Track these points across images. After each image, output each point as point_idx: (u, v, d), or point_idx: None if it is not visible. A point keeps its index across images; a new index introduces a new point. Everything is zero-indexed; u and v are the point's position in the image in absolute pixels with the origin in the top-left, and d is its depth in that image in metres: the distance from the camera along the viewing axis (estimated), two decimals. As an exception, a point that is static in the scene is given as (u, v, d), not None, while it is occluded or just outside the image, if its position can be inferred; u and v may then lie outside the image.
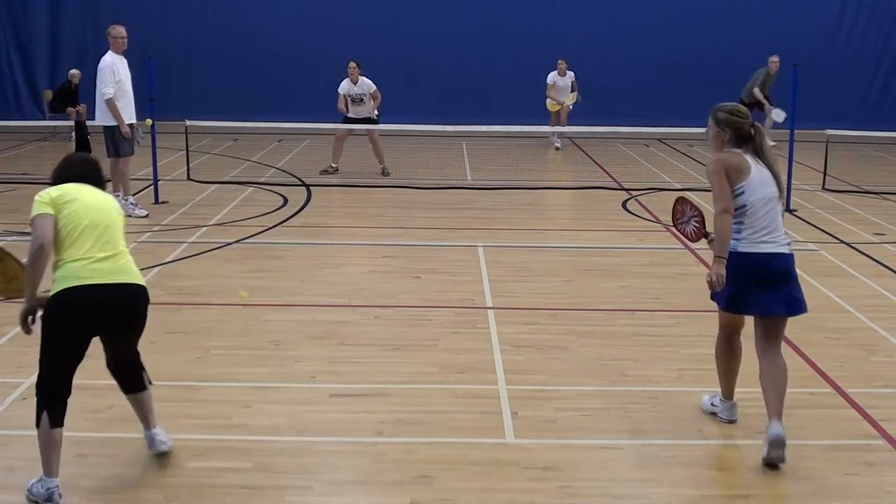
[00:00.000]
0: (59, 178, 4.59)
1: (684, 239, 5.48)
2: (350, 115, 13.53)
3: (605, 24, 19.86)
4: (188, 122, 12.35)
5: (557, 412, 5.32)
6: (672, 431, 5.11)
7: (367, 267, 8.48)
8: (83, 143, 10.91)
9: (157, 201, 11.12)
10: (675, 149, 17.06)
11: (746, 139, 5.05)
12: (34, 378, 5.59)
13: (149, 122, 10.96)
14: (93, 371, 5.79)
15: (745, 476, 4.61)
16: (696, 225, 5.35)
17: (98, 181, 4.67)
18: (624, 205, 11.06)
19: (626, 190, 12.31)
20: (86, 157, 5.01)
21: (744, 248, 4.94)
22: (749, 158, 4.99)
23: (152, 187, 11.33)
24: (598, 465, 4.74)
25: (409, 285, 7.88)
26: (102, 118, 10.29)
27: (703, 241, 5.25)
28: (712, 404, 5.47)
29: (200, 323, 6.83)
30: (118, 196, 10.39)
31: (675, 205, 5.48)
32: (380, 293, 7.61)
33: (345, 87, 13.56)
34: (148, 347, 6.21)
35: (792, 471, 4.66)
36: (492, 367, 5.99)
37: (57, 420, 4.33)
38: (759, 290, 4.92)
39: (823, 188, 12.60)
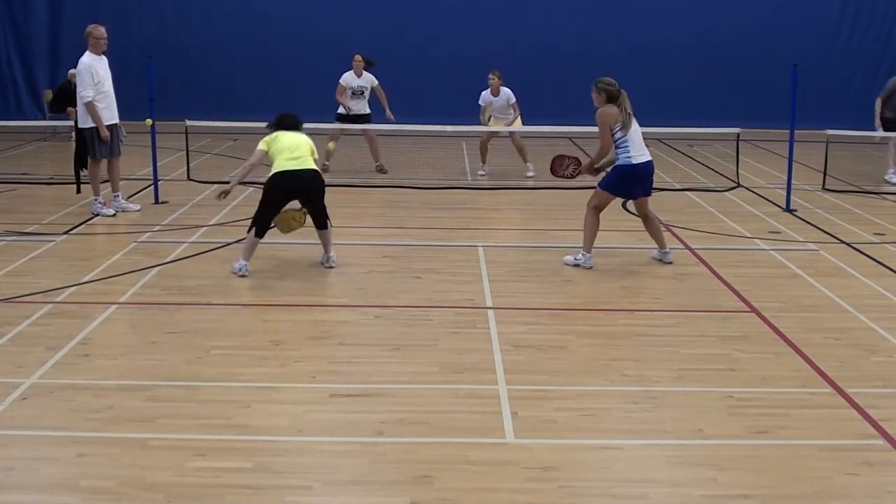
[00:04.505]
0: (277, 125, 8.35)
1: (565, 181, 9.53)
2: (351, 109, 13.48)
3: (603, 24, 19.82)
4: (188, 122, 12.33)
5: (557, 412, 5.32)
6: (672, 431, 5.10)
7: (367, 267, 8.48)
8: (83, 142, 10.89)
9: (157, 201, 11.12)
10: (675, 149, 17.05)
11: (615, 98, 8.18)
12: (34, 378, 5.66)
13: (149, 122, 10.93)
14: (93, 371, 5.83)
15: (745, 476, 4.61)
16: (574, 167, 9.12)
17: (297, 127, 8.39)
18: (624, 205, 11.03)
19: (627, 190, 12.31)
20: (291, 114, 8.45)
21: (635, 160, 8.17)
22: (619, 109, 8.15)
23: (152, 187, 11.33)
24: (598, 465, 4.73)
25: (409, 285, 7.88)
26: (83, 120, 10.26)
27: (589, 175, 8.79)
28: (576, 259, 8.36)
29: (200, 323, 6.84)
30: (96, 200, 10.41)
31: (553, 161, 9.25)
32: (380, 293, 7.61)
33: (348, 78, 13.52)
34: (148, 347, 6.27)
35: (792, 471, 4.67)
36: (492, 367, 5.99)
37: (260, 234, 8.02)
38: (638, 184, 8.32)
39: (823, 188, 12.59)
